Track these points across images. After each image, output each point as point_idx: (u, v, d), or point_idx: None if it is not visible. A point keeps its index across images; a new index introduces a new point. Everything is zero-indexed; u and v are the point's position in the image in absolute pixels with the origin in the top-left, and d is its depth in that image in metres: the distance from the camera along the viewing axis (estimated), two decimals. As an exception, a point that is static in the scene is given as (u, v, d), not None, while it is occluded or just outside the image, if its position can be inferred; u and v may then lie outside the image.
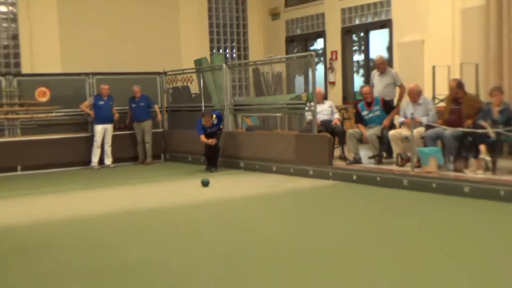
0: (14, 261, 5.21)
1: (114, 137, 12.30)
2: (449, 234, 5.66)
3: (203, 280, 4.44)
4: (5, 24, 13.15)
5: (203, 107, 12.20)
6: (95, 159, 12.16)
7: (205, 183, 8.68)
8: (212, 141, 10.86)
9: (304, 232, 5.99)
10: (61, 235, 6.15)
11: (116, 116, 12.34)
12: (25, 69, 13.08)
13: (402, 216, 6.69)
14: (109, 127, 12.19)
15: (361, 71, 14.40)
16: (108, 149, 12.23)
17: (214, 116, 10.93)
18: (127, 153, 12.75)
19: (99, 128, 12.06)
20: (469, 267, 4.50)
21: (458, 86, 8.70)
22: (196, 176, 10.26)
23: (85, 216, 7.09)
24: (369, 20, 13.30)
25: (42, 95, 12.28)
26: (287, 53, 15.14)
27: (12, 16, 13.20)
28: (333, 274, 4.49)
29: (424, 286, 4.11)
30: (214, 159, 11.09)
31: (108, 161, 12.25)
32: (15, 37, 13.20)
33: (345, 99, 13.83)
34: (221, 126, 11.12)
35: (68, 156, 12.21)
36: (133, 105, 12.62)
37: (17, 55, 13.22)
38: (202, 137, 10.79)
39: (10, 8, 13.16)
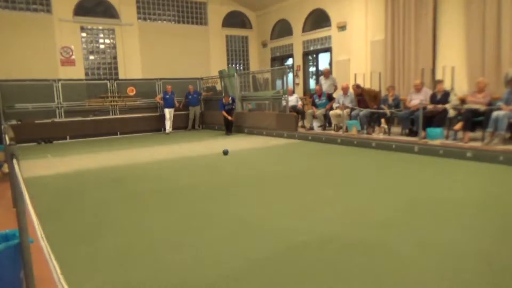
0: (114, 185, 5.18)
1: (174, 116, 12.14)
2: (360, 168, 5.63)
3: (226, 192, 4.42)
4: (108, 50, 12.87)
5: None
6: (163, 127, 12.04)
7: (225, 153, 7.33)
8: (232, 118, 10.75)
9: (280, 166, 5.96)
10: (140, 171, 6.10)
11: (177, 103, 12.17)
12: (121, 75, 12.81)
13: (335, 159, 6.63)
14: (172, 110, 12.01)
15: (314, 77, 14.13)
16: (171, 122, 12.06)
17: (230, 98, 10.82)
18: (181, 124, 12.55)
19: (167, 111, 11.92)
20: (368, 182, 4.48)
21: (357, 88, 8.80)
22: (220, 138, 10.17)
23: (155, 160, 7.04)
24: (319, 47, 13.01)
25: (131, 91, 12.12)
26: (271, 67, 14.90)
27: (112, 45, 12.87)
28: (293, 186, 4.48)
29: (345, 191, 4.10)
30: (230, 127, 10.95)
31: (170, 129, 12.06)
32: (114, 57, 12.90)
33: (304, 93, 13.63)
34: (233, 107, 10.98)
35: (147, 126, 12.09)
36: (190, 97, 12.44)
37: (116, 68, 12.94)
38: (223, 112, 10.70)
39: (112, 40, 12.85)
